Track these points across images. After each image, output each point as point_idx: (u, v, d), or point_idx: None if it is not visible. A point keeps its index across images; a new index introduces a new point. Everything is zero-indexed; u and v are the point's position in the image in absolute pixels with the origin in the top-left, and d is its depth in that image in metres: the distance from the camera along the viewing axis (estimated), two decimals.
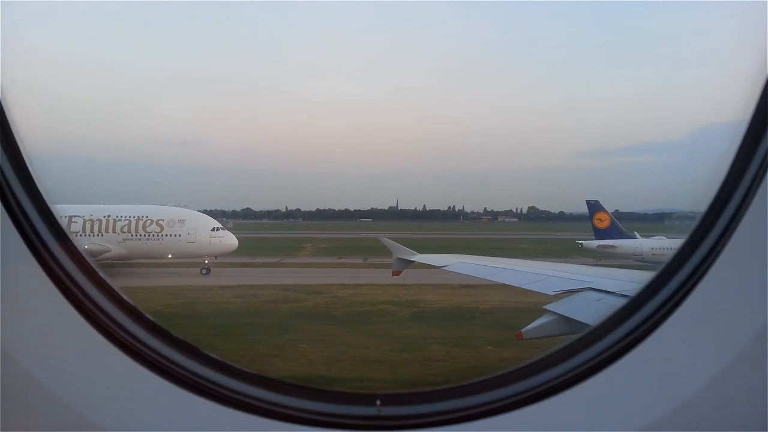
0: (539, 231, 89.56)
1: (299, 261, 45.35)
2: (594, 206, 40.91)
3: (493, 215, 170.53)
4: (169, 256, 33.53)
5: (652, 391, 1.80)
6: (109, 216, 33.41)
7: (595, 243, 40.11)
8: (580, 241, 42.41)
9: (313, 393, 1.97)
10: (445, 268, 13.87)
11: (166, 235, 33.50)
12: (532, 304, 24.71)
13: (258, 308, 23.66)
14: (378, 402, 1.94)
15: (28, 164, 1.96)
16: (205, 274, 33.38)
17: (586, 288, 8.50)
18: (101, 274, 2.03)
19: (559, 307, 8.22)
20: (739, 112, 1.82)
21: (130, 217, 33.48)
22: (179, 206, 36.32)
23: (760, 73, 1.79)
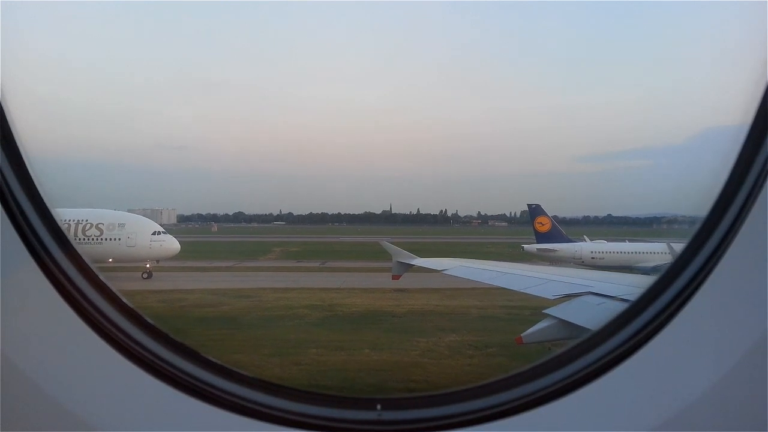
0: (523, 235, 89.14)
1: (254, 265, 45.17)
2: (535, 210, 41.02)
3: (485, 219, 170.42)
4: (110, 260, 33.41)
5: (655, 395, 1.79)
6: None
7: (535, 246, 40.07)
8: (523, 245, 42.37)
9: (313, 397, 1.97)
10: (445, 272, 13.71)
11: (106, 239, 33.39)
12: (452, 307, 24.80)
13: (171, 313, 23.41)
14: (378, 406, 1.94)
15: (28, 166, 1.95)
16: (146, 278, 33.23)
17: (586, 292, 8.42)
18: (101, 277, 2.02)
19: (559, 312, 8.11)
20: (740, 115, 1.80)
21: (69, 220, 33.32)
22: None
23: (761, 76, 1.77)
